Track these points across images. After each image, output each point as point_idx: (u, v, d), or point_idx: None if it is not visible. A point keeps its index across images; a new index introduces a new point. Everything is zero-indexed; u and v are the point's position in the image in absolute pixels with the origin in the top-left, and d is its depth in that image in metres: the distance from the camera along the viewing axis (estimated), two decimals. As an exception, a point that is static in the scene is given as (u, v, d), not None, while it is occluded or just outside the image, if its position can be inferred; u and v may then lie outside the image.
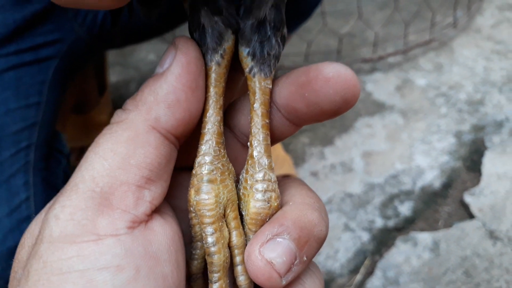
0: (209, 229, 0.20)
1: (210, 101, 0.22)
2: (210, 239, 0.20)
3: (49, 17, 0.56)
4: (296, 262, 0.19)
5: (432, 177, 0.94)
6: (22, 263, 0.18)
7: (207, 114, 0.22)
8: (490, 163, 0.96)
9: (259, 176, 0.21)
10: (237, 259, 0.21)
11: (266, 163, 0.21)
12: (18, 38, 0.54)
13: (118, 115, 0.20)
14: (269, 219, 0.21)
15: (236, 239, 0.21)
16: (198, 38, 0.22)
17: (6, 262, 0.47)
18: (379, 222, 0.88)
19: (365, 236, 0.86)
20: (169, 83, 0.20)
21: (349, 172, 0.96)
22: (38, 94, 0.54)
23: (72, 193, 0.18)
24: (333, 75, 0.20)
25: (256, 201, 0.21)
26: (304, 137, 1.04)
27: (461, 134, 1.03)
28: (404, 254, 0.82)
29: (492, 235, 0.84)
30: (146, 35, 0.68)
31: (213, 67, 0.22)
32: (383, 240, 0.85)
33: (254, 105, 0.22)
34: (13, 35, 0.54)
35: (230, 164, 0.22)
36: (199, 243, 0.21)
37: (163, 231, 0.19)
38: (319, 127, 1.06)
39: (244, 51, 0.23)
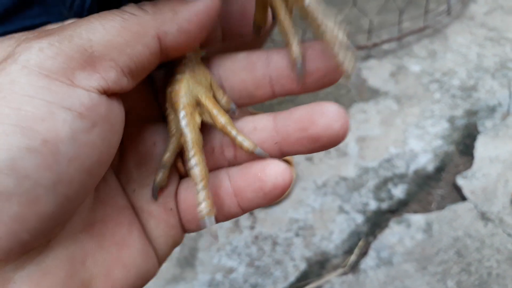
0: (181, 113, 0.22)
1: None
2: (183, 122, 0.22)
3: (37, 1, 0.56)
4: None
5: (425, 161, 0.96)
6: None
7: None
8: (482, 147, 0.98)
9: None
10: (234, 132, 0.22)
11: None
12: (6, 21, 0.54)
13: (132, 8, 0.21)
14: None
15: (220, 115, 0.23)
16: None
17: None
18: (373, 205, 0.89)
19: (359, 218, 0.87)
20: (191, 12, 0.21)
21: (344, 156, 0.97)
22: None
23: (65, 40, 0.18)
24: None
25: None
26: (299, 123, 1.05)
27: (454, 119, 1.04)
28: (398, 235, 0.84)
29: (484, 217, 0.86)
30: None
31: None
32: (377, 222, 0.86)
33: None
34: (1, 18, 0.54)
35: (208, 72, 0.23)
36: (173, 138, 0.23)
37: (120, 112, 0.20)
38: (314, 113, 1.07)
39: None
